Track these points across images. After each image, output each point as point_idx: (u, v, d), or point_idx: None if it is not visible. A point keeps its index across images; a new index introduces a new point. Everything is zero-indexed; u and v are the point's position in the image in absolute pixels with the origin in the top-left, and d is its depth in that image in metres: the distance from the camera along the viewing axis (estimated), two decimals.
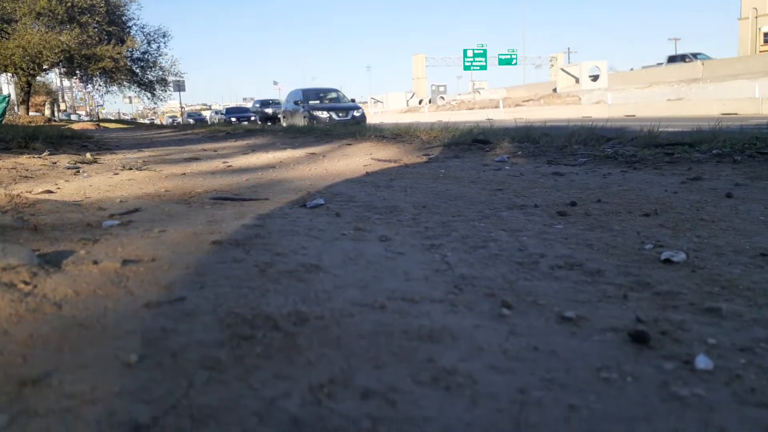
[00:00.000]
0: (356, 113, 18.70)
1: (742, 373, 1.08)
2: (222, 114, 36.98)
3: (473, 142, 6.17)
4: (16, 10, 25.72)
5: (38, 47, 25.36)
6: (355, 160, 5.60)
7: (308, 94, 20.69)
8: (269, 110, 32.00)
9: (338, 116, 18.24)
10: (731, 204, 2.71)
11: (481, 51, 48.53)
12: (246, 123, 29.38)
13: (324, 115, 18.39)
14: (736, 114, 18.87)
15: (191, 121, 40.59)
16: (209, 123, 35.08)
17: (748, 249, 1.95)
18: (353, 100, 21.13)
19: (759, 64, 31.77)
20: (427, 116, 33.67)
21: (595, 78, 42.60)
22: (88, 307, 1.41)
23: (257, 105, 35.05)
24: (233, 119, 32.91)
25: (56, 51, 25.88)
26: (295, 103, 20.28)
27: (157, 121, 60.42)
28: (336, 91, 21.57)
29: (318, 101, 20.08)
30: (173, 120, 54.49)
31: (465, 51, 48.41)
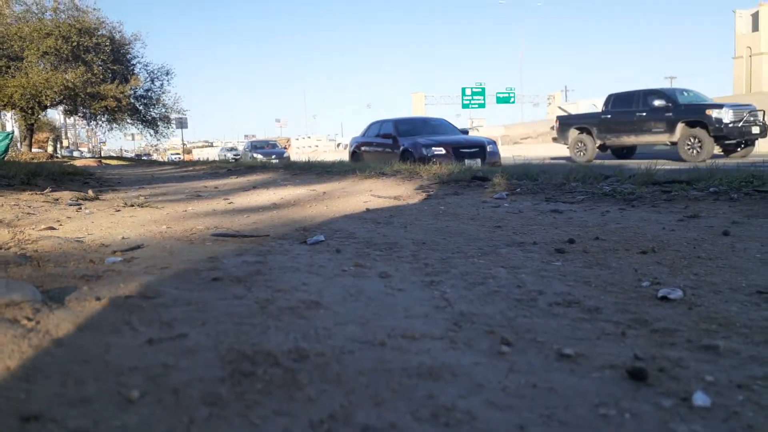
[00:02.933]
0: None
1: (740, 410, 1.09)
2: (376, 136, 14.73)
3: (472, 179, 6.23)
4: (23, 49, 26.16)
5: (40, 86, 25.69)
6: (355, 197, 5.64)
7: None
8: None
9: None
10: (728, 242, 2.74)
11: (480, 89, 49.21)
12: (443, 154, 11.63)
13: None
14: None
15: (258, 156, 26.35)
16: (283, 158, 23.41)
17: (745, 287, 1.97)
18: None
19: (754, 103, 32.19)
20: None
21: None
22: (90, 343, 1.42)
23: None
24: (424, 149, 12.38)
25: (57, 90, 26.20)
26: None
27: (175, 157, 49.12)
28: None
29: None
30: (234, 154, 39.20)
31: (463, 89, 49.10)
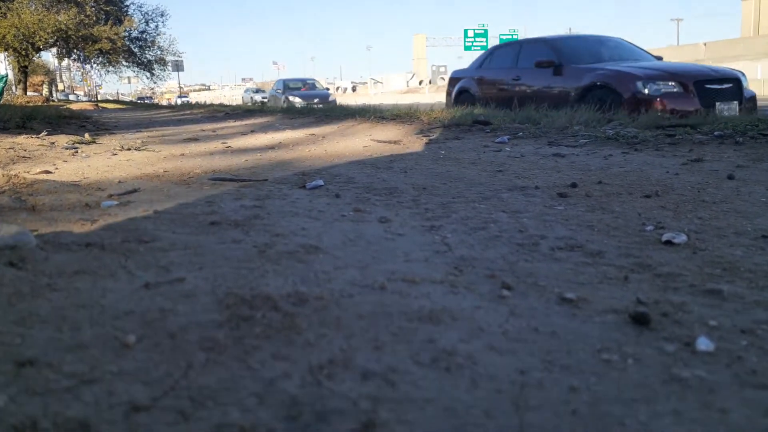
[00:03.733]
0: None
1: (744, 355, 1.08)
2: (512, 67, 9.09)
3: (474, 123, 6.14)
4: None
5: (32, 27, 25.11)
6: (354, 141, 5.57)
7: None
8: None
9: None
10: (733, 186, 2.70)
11: (482, 31, 48.13)
12: None
13: None
14: None
15: (296, 100, 20.86)
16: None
17: (750, 231, 1.94)
18: None
19: (761, 46, 31.62)
20: (427, 97, 33.39)
21: None
22: (86, 287, 1.41)
23: None
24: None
25: (50, 31, 25.61)
26: None
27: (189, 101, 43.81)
28: None
29: None
30: (262, 97, 30.59)
31: (466, 31, 48.02)
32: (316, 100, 19.79)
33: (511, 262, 1.67)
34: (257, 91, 38.57)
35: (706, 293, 1.40)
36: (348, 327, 1.21)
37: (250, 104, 23.82)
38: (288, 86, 23.96)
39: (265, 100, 26.82)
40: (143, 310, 1.27)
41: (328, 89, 27.13)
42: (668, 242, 1.82)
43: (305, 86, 24.04)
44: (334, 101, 20.96)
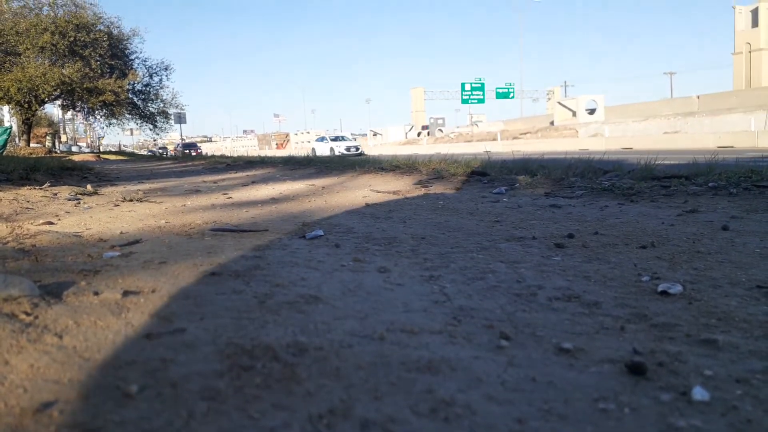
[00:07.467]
0: None
1: (739, 405, 1.09)
2: None
3: (471, 174, 6.22)
4: (18, 44, 26.05)
5: (37, 80, 25.58)
6: (354, 192, 5.63)
7: None
8: None
9: None
10: (727, 236, 2.73)
11: (479, 85, 49.15)
12: None
13: None
14: (731, 147, 19.03)
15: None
16: None
17: (744, 281, 1.97)
18: None
19: (753, 98, 32.26)
20: (425, 148, 33.79)
21: (591, 111, 43.12)
22: (88, 337, 1.42)
23: None
24: None
25: (54, 84, 26.08)
26: None
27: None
28: None
29: None
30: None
31: (463, 85, 49.02)
32: None
33: (509, 312, 1.69)
34: (335, 138, 30.39)
35: (701, 343, 1.41)
36: (347, 377, 1.22)
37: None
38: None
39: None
40: (145, 360, 1.28)
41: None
42: (664, 293, 1.84)
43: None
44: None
